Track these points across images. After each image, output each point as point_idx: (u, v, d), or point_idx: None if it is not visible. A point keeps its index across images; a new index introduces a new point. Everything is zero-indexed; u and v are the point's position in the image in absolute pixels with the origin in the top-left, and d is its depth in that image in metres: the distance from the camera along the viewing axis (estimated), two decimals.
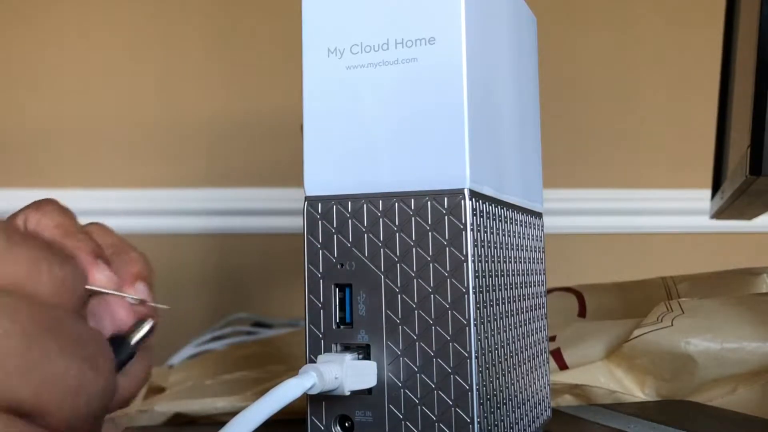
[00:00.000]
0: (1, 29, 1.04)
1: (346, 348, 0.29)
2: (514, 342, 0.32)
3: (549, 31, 0.96)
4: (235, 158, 1.04)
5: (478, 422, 0.27)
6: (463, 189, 0.27)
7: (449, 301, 0.27)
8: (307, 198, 0.30)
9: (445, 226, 0.27)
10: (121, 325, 0.28)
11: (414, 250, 0.28)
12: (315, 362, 0.29)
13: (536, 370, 0.35)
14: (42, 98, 1.04)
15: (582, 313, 0.61)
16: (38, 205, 0.29)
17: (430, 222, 0.28)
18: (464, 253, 0.27)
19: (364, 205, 0.29)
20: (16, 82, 1.04)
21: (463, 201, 0.27)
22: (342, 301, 0.29)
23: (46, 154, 1.03)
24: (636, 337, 0.47)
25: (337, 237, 0.29)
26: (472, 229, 0.27)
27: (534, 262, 0.35)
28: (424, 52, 0.28)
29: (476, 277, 0.27)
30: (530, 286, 0.34)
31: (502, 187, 0.31)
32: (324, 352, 0.29)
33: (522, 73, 0.35)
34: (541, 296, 0.36)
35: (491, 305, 0.29)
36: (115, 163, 1.03)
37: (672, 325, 0.47)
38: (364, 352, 0.29)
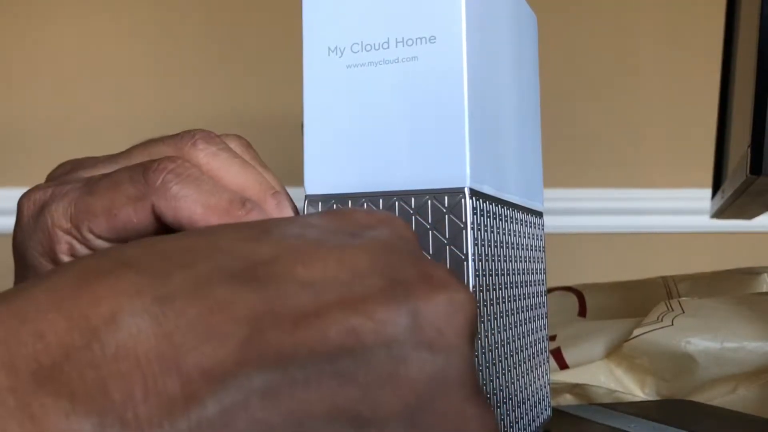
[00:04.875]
0: (3, 28, 1.04)
1: None
2: (514, 341, 0.32)
3: (549, 30, 0.96)
4: None
5: None
6: (463, 188, 0.27)
7: None
8: (307, 197, 0.30)
9: (446, 225, 0.27)
10: None
11: None
12: None
13: (536, 369, 0.35)
14: (41, 97, 1.04)
15: (582, 312, 0.61)
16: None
17: (430, 221, 0.28)
18: (464, 252, 0.27)
19: (365, 204, 0.29)
20: (15, 80, 1.04)
21: (463, 200, 0.27)
22: None
23: (45, 153, 1.03)
24: (636, 336, 0.47)
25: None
26: (472, 228, 0.27)
27: (534, 261, 0.35)
28: (425, 51, 0.28)
29: (476, 276, 0.27)
30: (530, 285, 0.34)
31: (502, 186, 0.31)
32: None
33: (522, 72, 0.35)
34: (541, 295, 0.36)
35: (491, 304, 0.29)
36: None
37: (672, 324, 0.47)
38: None
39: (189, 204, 0.26)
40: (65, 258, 0.29)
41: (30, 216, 0.29)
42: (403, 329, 0.17)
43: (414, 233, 0.21)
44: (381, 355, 0.16)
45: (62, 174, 0.30)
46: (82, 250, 0.28)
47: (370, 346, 0.16)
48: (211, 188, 0.27)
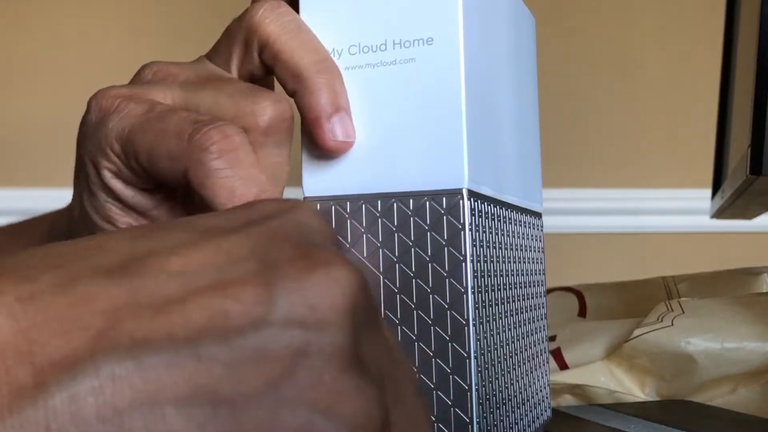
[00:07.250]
0: (2, 29, 1.04)
1: None
2: (513, 342, 0.32)
3: (549, 31, 0.96)
4: None
5: (478, 422, 0.27)
6: (461, 189, 0.27)
7: (448, 301, 0.27)
8: (305, 198, 0.30)
9: (444, 227, 0.27)
10: None
11: (413, 250, 0.28)
12: None
13: (536, 370, 0.35)
14: (42, 98, 1.04)
15: (582, 312, 0.61)
16: None
17: (428, 222, 0.28)
18: (463, 253, 0.27)
19: (363, 206, 0.29)
20: (15, 80, 1.04)
21: (461, 201, 0.27)
22: None
23: (46, 153, 1.03)
24: (636, 336, 0.47)
25: (336, 238, 0.29)
26: (470, 229, 0.27)
27: (533, 262, 0.35)
28: (422, 53, 0.28)
29: (475, 277, 0.27)
30: (530, 286, 0.34)
31: (501, 187, 0.31)
32: None
33: (521, 73, 0.35)
34: (540, 296, 0.36)
35: (490, 305, 0.29)
36: None
37: (672, 324, 0.47)
38: None
39: (214, 185, 0.26)
40: (109, 177, 0.29)
41: (93, 120, 0.29)
42: (271, 309, 0.17)
43: (324, 222, 0.21)
44: (248, 335, 0.16)
45: (140, 81, 0.31)
46: (128, 176, 0.29)
47: (237, 327, 0.16)
48: (245, 175, 0.26)
